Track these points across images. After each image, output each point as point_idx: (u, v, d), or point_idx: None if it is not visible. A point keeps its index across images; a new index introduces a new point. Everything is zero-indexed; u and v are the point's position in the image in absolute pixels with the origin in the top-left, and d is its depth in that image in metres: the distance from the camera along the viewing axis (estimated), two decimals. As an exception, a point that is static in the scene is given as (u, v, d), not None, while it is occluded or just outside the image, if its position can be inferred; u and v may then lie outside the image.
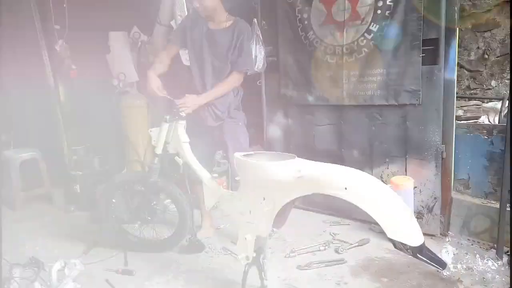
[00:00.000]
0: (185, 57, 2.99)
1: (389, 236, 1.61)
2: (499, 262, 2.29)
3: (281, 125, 3.38)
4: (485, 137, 2.60)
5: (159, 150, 2.45)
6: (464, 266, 2.27)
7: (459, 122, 2.71)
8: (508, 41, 2.67)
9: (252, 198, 1.93)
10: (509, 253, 2.36)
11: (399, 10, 2.59)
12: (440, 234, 2.72)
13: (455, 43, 2.52)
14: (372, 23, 2.70)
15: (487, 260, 2.30)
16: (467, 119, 2.78)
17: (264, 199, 1.88)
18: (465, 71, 2.88)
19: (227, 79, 2.52)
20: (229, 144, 2.58)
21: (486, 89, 2.83)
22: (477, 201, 2.63)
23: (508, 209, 2.36)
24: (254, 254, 2.01)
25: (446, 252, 2.36)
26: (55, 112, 3.72)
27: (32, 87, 3.96)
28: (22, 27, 3.79)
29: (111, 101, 3.95)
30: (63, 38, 3.64)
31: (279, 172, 1.77)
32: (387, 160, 2.87)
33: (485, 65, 2.80)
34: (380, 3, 2.65)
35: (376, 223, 1.62)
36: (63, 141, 3.77)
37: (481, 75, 2.84)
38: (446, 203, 2.70)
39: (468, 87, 2.90)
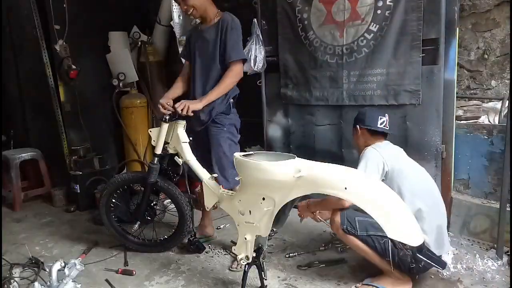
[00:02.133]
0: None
1: (389, 236, 1.61)
2: (499, 262, 2.29)
3: (281, 125, 3.38)
4: (485, 137, 2.60)
5: (159, 150, 2.45)
6: (464, 266, 2.27)
7: (459, 122, 2.71)
8: (508, 41, 2.67)
9: (252, 198, 1.93)
10: (509, 253, 2.36)
11: (399, 10, 2.59)
12: (440, 234, 2.71)
13: (455, 43, 2.52)
14: (372, 23, 2.70)
15: (487, 260, 2.30)
16: (467, 119, 2.78)
17: (264, 199, 1.88)
18: (465, 71, 2.88)
19: (225, 74, 2.42)
20: (212, 150, 2.53)
21: (486, 89, 2.83)
22: (477, 201, 2.63)
23: (508, 209, 2.36)
24: (254, 254, 2.02)
25: (446, 252, 2.35)
26: (55, 112, 3.72)
27: (32, 87, 3.97)
28: (22, 27, 3.79)
29: (111, 101, 3.96)
30: (63, 38, 3.64)
31: (279, 172, 1.77)
32: (387, 160, 2.86)
33: (485, 65, 2.80)
34: (380, 3, 2.65)
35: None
36: (63, 141, 3.76)
37: (481, 75, 2.84)
38: (446, 203, 2.69)
39: (468, 87, 2.90)
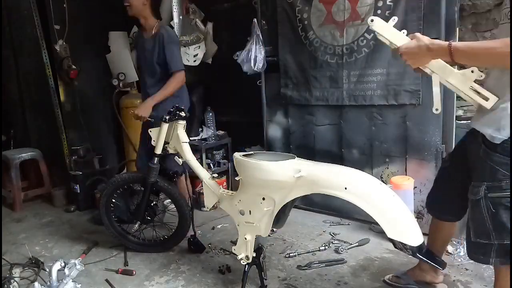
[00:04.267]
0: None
1: (389, 236, 1.61)
2: (499, 262, 2.29)
3: (281, 125, 3.38)
4: (485, 137, 2.59)
5: (159, 150, 2.45)
6: (464, 266, 2.27)
7: (459, 122, 2.71)
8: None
9: (252, 198, 1.93)
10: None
11: (399, 10, 2.58)
12: (440, 234, 2.71)
13: (455, 43, 2.51)
14: (372, 23, 2.70)
15: (487, 260, 2.30)
16: (467, 119, 2.77)
17: (264, 199, 1.88)
18: (465, 71, 2.88)
19: (169, 81, 2.64)
20: None
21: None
22: (477, 201, 2.62)
23: (508, 209, 2.35)
24: (254, 254, 2.02)
25: (446, 251, 2.35)
26: (55, 112, 3.72)
27: (32, 87, 3.97)
28: (22, 27, 3.79)
29: (111, 101, 3.96)
30: (63, 38, 3.64)
31: (279, 172, 1.77)
32: (387, 160, 2.86)
33: (485, 65, 2.80)
34: (380, 3, 2.65)
35: (376, 223, 1.63)
36: (63, 141, 3.76)
37: (481, 75, 2.84)
38: (446, 203, 2.69)
39: (468, 87, 2.90)
